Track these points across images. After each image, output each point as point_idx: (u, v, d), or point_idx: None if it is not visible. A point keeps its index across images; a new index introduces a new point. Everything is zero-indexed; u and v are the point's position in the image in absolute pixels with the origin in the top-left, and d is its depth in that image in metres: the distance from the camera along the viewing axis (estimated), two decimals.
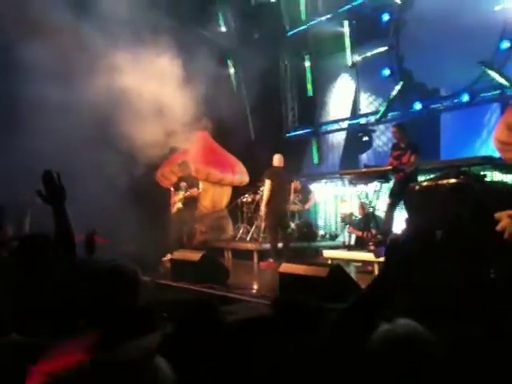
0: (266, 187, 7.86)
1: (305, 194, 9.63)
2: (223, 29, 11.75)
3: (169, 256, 7.44)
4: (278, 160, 8.05)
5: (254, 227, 9.17)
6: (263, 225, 8.81)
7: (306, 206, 9.67)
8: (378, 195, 6.87)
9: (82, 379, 1.14)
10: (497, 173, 7.08)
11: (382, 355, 1.17)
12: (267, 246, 8.08)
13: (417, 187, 6.29)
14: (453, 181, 5.80)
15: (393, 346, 1.17)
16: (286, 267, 4.94)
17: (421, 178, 7.00)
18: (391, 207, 6.96)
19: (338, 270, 4.65)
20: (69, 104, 7.22)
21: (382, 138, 10.14)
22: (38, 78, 6.90)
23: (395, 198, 6.91)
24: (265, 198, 7.86)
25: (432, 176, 6.94)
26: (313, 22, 11.14)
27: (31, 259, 2.24)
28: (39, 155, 6.61)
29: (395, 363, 1.15)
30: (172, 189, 8.96)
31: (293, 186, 8.47)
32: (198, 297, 4.93)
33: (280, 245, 7.80)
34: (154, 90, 8.30)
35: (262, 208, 8.05)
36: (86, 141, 7.25)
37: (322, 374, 1.30)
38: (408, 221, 6.54)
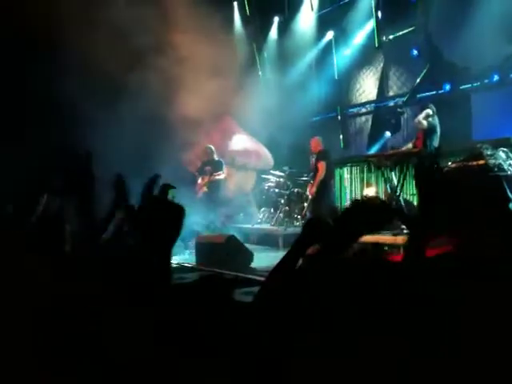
0: None
1: None
2: (247, 12, 11.64)
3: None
4: None
5: (278, 212, 9.10)
6: (287, 209, 8.82)
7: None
8: (403, 178, 6.71)
9: None
10: None
11: None
12: (291, 230, 8.05)
13: (445, 169, 6.15)
14: (482, 162, 5.66)
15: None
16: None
17: (451, 160, 6.80)
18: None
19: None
20: None
21: (411, 121, 9.90)
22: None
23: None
24: None
25: (461, 158, 6.75)
26: (340, 3, 10.91)
27: None
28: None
29: None
30: (196, 173, 8.99)
31: None
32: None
33: None
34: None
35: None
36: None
37: None
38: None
